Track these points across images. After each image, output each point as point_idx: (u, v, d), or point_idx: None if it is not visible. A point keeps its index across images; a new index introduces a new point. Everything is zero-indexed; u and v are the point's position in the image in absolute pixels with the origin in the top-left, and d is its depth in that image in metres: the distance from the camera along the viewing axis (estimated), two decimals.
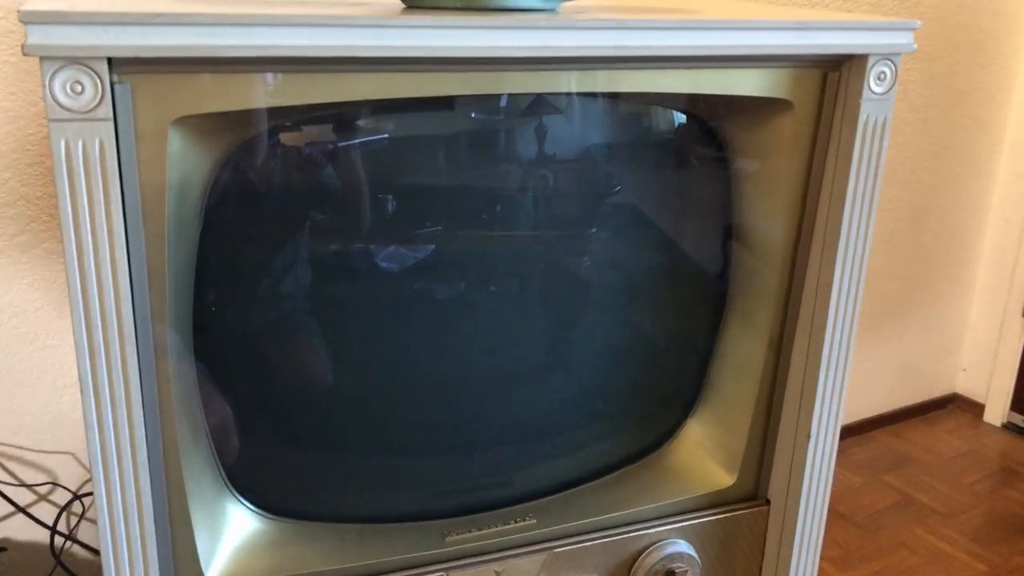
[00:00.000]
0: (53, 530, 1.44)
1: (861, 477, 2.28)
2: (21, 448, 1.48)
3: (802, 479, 1.08)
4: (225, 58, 0.74)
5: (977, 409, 2.57)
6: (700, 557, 1.11)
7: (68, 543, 1.49)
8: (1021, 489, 2.23)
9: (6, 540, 1.49)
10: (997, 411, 2.52)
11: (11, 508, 1.44)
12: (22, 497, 1.47)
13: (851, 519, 2.10)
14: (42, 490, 1.51)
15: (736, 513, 1.12)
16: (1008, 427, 2.50)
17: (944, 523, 2.09)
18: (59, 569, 1.43)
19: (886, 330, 2.43)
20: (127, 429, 0.81)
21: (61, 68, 0.69)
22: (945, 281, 2.49)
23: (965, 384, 2.62)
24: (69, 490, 1.51)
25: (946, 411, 2.62)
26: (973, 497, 2.20)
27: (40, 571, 1.49)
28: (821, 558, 1.88)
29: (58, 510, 1.49)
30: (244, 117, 0.81)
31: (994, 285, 2.50)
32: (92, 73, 0.70)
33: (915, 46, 0.93)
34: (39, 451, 1.50)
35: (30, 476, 1.49)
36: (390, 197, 0.96)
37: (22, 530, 1.49)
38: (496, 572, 1.02)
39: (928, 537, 2.04)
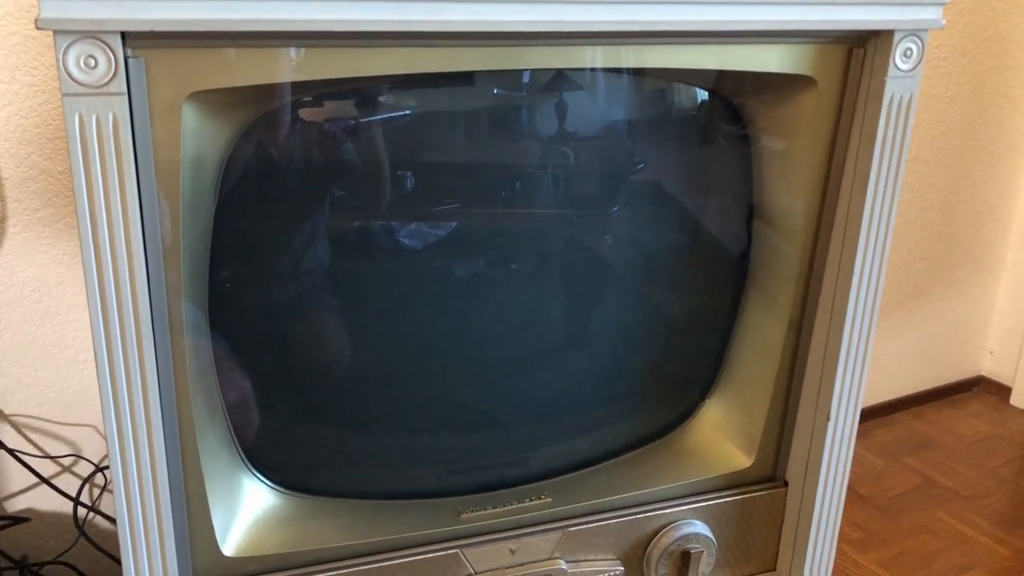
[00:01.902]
0: (76, 501, 1.46)
1: (883, 459, 2.25)
2: (44, 420, 1.50)
3: (820, 461, 1.07)
4: (240, 32, 0.73)
5: (1003, 392, 2.54)
6: (716, 538, 1.10)
7: (91, 514, 1.51)
8: None
9: (30, 511, 1.51)
10: None
11: (35, 479, 1.46)
12: (46, 468, 1.49)
13: (872, 501, 2.08)
14: (65, 462, 1.52)
15: (753, 494, 1.11)
16: None
17: (967, 507, 2.07)
18: (82, 540, 1.45)
19: (912, 311, 2.40)
20: (143, 406, 0.81)
21: (75, 42, 0.69)
22: (973, 262, 2.45)
23: (991, 367, 2.58)
24: (92, 462, 1.52)
25: (971, 394, 2.59)
26: (997, 481, 2.17)
27: (63, 541, 1.50)
28: (841, 540, 1.87)
29: (81, 481, 1.51)
30: (260, 92, 0.80)
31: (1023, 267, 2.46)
32: (106, 47, 0.70)
33: (943, 22, 0.91)
34: (62, 423, 1.51)
35: (53, 448, 1.51)
36: (410, 174, 0.96)
37: (46, 501, 1.51)
38: (511, 550, 1.02)
39: (950, 520, 2.02)
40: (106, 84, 0.71)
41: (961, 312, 2.49)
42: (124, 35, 0.71)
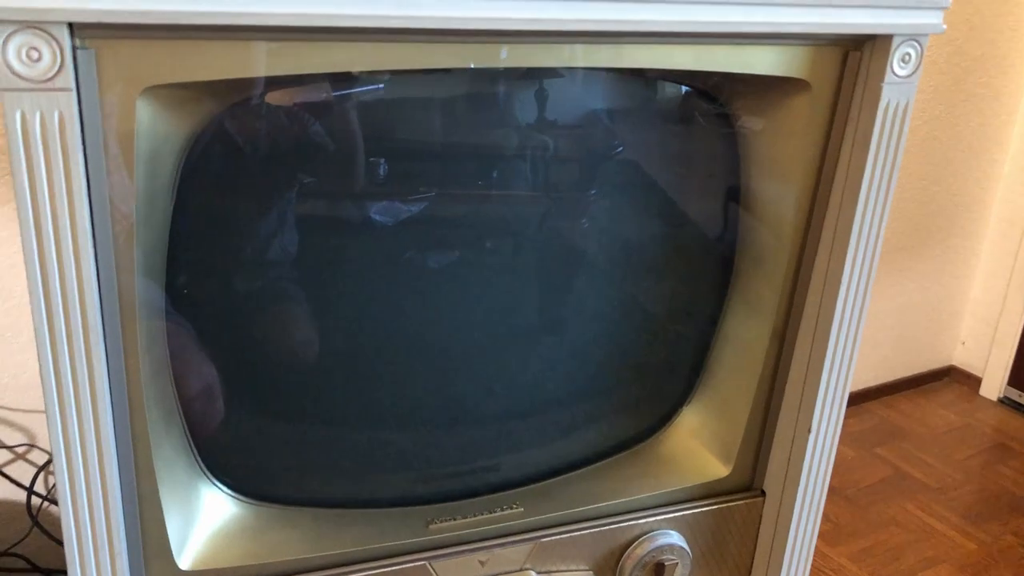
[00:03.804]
0: (30, 491, 1.41)
1: (853, 450, 2.25)
2: None
3: (800, 472, 1.05)
4: (199, 25, 0.68)
5: (974, 383, 2.55)
6: (691, 548, 1.08)
7: (45, 503, 1.46)
8: (1014, 466, 2.21)
9: None
10: (994, 385, 2.49)
11: None
12: None
13: (842, 493, 2.08)
14: (19, 450, 1.47)
15: (730, 504, 1.09)
16: (1004, 401, 2.48)
17: (936, 499, 2.07)
18: (36, 530, 1.40)
19: (886, 300, 2.39)
20: (91, 413, 0.76)
21: (15, 32, 0.63)
22: (949, 252, 2.44)
23: (963, 357, 2.59)
24: (46, 451, 1.47)
25: (942, 383, 2.60)
26: (964, 473, 2.18)
27: (16, 531, 1.46)
28: None
29: (35, 470, 1.46)
30: (221, 87, 0.75)
31: (999, 258, 2.45)
32: (50, 39, 0.64)
33: (944, 26, 0.87)
34: (16, 410, 1.46)
35: (7, 436, 1.46)
36: (381, 159, 0.91)
37: None
38: (480, 561, 0.99)
39: (919, 513, 2.02)
40: (51, 79, 0.65)
41: (935, 302, 2.49)
42: (72, 25, 0.65)
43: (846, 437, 2.30)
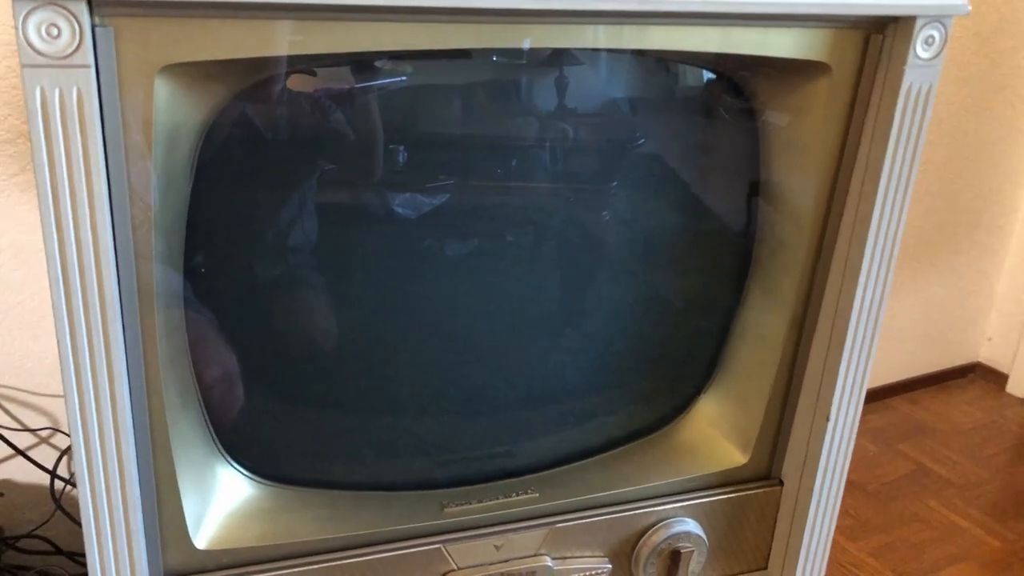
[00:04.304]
0: (53, 474, 1.43)
1: (876, 445, 2.23)
2: (22, 391, 1.46)
3: (818, 461, 1.04)
4: (215, 3, 0.68)
5: (1000, 379, 2.51)
6: (707, 536, 1.07)
7: (68, 487, 1.47)
8: None
9: (6, 482, 1.48)
10: (1021, 382, 2.46)
11: (10, 451, 1.42)
12: (23, 440, 1.46)
13: (864, 488, 2.06)
14: (43, 434, 1.49)
15: (747, 493, 1.08)
16: None
17: (959, 496, 2.05)
18: (59, 513, 1.42)
19: (911, 296, 2.36)
20: (108, 393, 0.77)
21: (35, 9, 0.64)
22: (976, 247, 2.40)
23: (989, 353, 2.55)
24: (69, 435, 1.48)
25: (967, 380, 2.56)
26: (990, 470, 2.15)
27: (40, 514, 1.47)
28: None
29: (58, 454, 1.47)
30: (239, 68, 0.75)
31: None
32: (69, 15, 0.64)
33: (969, 7, 0.86)
34: (40, 394, 1.47)
35: (31, 419, 1.47)
36: (402, 148, 0.91)
37: (22, 473, 1.47)
38: (495, 546, 0.99)
39: (942, 510, 2.00)
40: (70, 55, 0.66)
41: (961, 297, 2.46)
42: (91, 2, 0.65)
43: (869, 432, 2.27)
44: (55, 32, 0.65)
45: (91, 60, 0.67)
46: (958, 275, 2.42)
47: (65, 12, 0.64)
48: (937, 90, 2.14)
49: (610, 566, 1.04)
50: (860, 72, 0.90)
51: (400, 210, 0.93)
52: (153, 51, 0.70)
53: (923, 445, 2.24)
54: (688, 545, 1.05)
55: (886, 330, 2.33)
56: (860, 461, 2.15)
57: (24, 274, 1.39)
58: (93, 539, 0.81)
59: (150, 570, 0.85)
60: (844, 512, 1.96)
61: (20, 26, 0.63)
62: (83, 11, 0.65)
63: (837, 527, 1.87)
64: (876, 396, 2.40)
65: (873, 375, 2.46)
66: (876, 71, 0.89)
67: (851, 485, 2.05)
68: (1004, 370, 2.51)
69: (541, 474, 1.04)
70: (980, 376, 2.56)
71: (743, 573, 1.13)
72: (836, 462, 1.05)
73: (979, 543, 1.89)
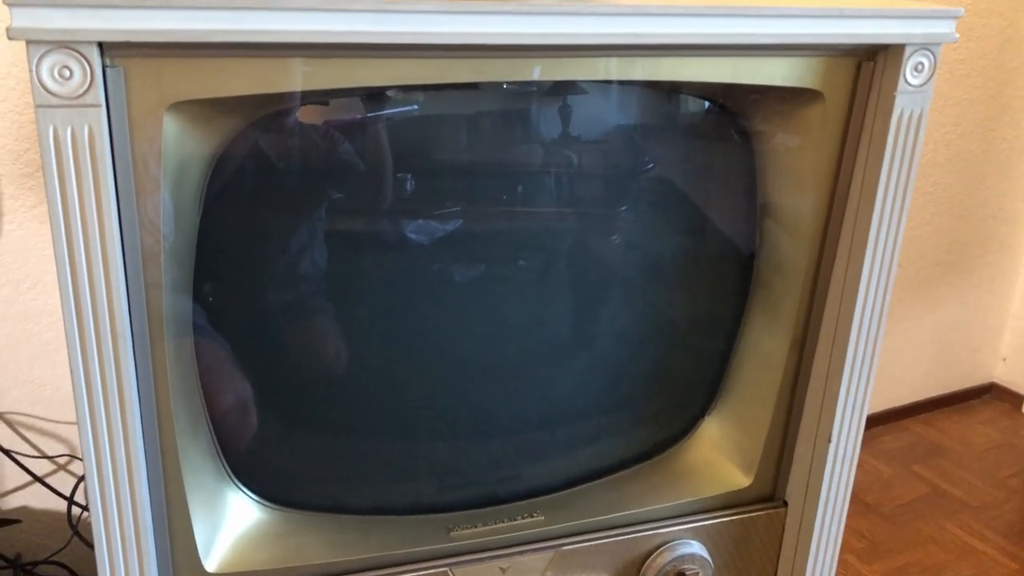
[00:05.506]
0: (70, 500, 1.45)
1: (891, 467, 2.22)
2: (40, 418, 1.49)
3: (821, 482, 1.05)
4: (222, 43, 0.71)
5: (1015, 400, 2.50)
6: (713, 558, 1.08)
7: (85, 513, 1.50)
8: None
9: (24, 509, 1.50)
10: None
11: (29, 478, 1.45)
12: (40, 467, 1.48)
13: (878, 510, 2.05)
14: (61, 461, 1.51)
15: (752, 514, 1.09)
16: None
17: (975, 518, 2.04)
18: (76, 539, 1.44)
19: (924, 316, 2.36)
20: (120, 421, 0.79)
21: (48, 52, 0.66)
22: (988, 268, 2.40)
23: (1004, 374, 2.54)
24: None
25: (982, 401, 2.55)
26: (1007, 492, 2.14)
27: (58, 540, 1.50)
28: (845, 550, 1.84)
29: (75, 480, 1.50)
30: (245, 103, 0.78)
31: None
32: (81, 58, 0.67)
33: (957, 35, 0.88)
34: (58, 422, 1.50)
35: (48, 447, 1.50)
36: (410, 176, 0.93)
37: (40, 500, 1.50)
38: (501, 569, 1.00)
39: (958, 532, 1.99)
40: (81, 95, 0.68)
41: (974, 318, 2.45)
42: (101, 45, 0.68)
43: (882, 454, 2.27)
44: (67, 74, 0.67)
45: (102, 100, 0.69)
46: (971, 296, 2.41)
47: (77, 55, 0.67)
48: (945, 112, 2.15)
49: None
50: (853, 99, 0.91)
51: (412, 236, 0.95)
52: (162, 89, 0.72)
53: (938, 467, 2.23)
54: (693, 567, 1.06)
55: (900, 351, 2.33)
56: (875, 483, 2.14)
57: (42, 304, 1.43)
58: (106, 563, 0.83)
59: None
60: (859, 534, 1.95)
61: (34, 68, 0.66)
62: (94, 53, 0.68)
63: (852, 550, 1.87)
64: (890, 417, 2.40)
65: (887, 396, 2.46)
66: (868, 97, 0.91)
67: (866, 507, 2.04)
68: (1019, 390, 2.49)
69: (547, 497, 1.05)
70: (995, 397, 2.55)
71: None
72: (839, 483, 1.05)
73: (996, 565, 1.88)
